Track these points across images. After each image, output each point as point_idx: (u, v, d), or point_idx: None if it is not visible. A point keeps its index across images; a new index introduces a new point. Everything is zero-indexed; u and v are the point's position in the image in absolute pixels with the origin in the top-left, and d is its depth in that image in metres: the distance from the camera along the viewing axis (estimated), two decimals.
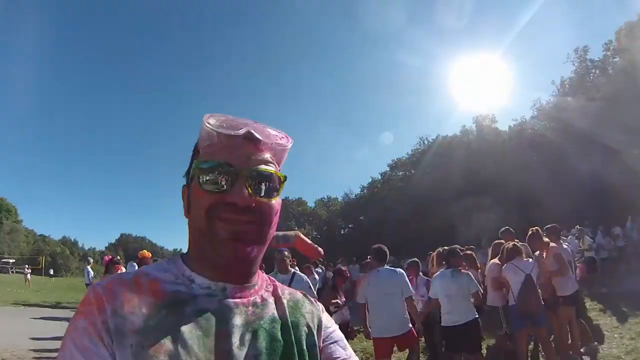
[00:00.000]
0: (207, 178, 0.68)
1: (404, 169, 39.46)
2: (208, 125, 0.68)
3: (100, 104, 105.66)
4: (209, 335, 0.64)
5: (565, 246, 5.93)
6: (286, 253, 4.42)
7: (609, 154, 20.18)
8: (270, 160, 0.72)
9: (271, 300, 0.76)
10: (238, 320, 0.68)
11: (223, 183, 0.67)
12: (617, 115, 20.75)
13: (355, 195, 44.11)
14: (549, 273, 5.00)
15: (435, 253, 5.80)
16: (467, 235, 19.33)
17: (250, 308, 0.72)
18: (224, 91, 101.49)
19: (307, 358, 0.72)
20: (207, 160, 0.69)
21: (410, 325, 4.51)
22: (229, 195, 0.66)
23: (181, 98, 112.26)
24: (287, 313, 0.76)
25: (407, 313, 4.51)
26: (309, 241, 4.44)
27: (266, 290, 0.78)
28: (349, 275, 6.05)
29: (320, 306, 0.85)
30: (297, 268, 4.72)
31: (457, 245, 5.18)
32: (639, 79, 20.79)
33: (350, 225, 43.53)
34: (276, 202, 0.72)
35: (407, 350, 5.12)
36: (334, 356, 0.76)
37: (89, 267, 14.24)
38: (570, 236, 8.85)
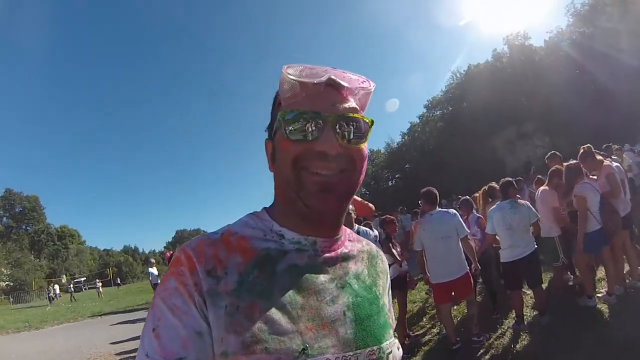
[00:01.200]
0: (293, 127, 0.65)
1: (441, 107, 38.02)
2: (289, 75, 0.66)
3: (126, 104, 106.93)
4: (300, 292, 0.65)
5: (615, 165, 5.47)
6: (351, 207, 3.92)
7: None
8: (355, 105, 0.70)
9: (354, 252, 0.78)
10: (327, 276, 0.69)
11: (310, 131, 0.65)
12: None
13: (397, 144, 43.09)
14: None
15: (480, 192, 5.58)
16: (514, 166, 18.84)
17: (338, 263, 0.72)
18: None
19: (385, 313, 0.75)
20: (291, 110, 0.66)
21: (467, 268, 4.46)
22: (318, 143, 0.64)
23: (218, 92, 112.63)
24: (367, 269, 0.78)
25: (463, 254, 4.46)
26: (359, 199, 4.56)
27: (349, 240, 0.79)
28: (394, 217, 5.93)
29: (387, 262, 0.89)
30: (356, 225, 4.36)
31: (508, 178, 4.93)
32: None
33: (397, 176, 42.88)
34: (364, 147, 0.70)
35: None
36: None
37: (150, 269, 14.79)
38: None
